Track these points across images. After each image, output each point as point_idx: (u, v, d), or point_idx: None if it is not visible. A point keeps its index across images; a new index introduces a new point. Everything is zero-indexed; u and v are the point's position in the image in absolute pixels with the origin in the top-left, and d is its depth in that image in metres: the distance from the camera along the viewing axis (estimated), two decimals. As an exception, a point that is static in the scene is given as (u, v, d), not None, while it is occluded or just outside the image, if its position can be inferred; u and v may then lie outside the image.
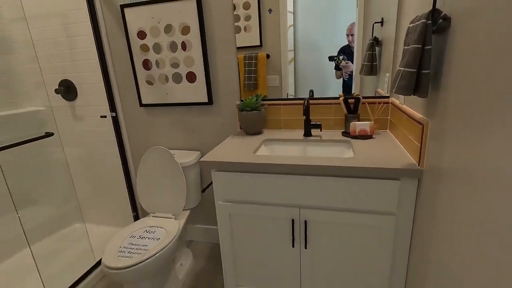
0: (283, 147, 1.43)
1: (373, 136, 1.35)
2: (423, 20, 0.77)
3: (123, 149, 1.89)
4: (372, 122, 1.33)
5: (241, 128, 1.63)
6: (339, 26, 1.41)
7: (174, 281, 1.58)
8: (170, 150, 1.62)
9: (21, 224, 1.78)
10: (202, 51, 1.57)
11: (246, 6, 1.47)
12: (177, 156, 1.68)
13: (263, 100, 1.57)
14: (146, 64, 1.68)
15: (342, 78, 1.48)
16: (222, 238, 1.29)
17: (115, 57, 1.74)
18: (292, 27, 1.47)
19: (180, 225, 1.56)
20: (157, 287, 1.45)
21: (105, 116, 1.83)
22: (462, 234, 0.64)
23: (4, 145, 1.42)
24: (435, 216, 0.81)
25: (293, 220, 1.14)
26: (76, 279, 1.58)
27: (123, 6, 1.60)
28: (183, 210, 1.68)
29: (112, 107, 1.80)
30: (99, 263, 1.73)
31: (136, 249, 1.37)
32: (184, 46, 1.59)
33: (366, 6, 1.36)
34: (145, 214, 2.06)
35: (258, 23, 1.48)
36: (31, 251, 1.72)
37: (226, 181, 1.19)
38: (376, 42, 1.40)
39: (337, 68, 1.47)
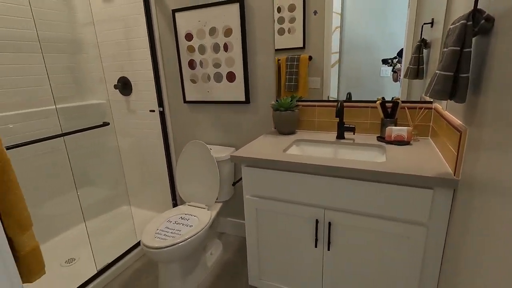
0: (314, 148, 1.43)
1: (411, 142, 1.29)
2: (462, 21, 0.73)
3: (167, 141, 2.05)
4: (411, 127, 1.27)
5: (275, 128, 1.68)
6: (392, 27, 1.37)
7: (203, 268, 1.69)
8: (207, 145, 1.73)
9: (79, 202, 2.05)
10: (242, 52, 1.64)
11: (291, 8, 1.51)
12: (214, 151, 1.78)
13: (298, 101, 1.59)
14: (191, 64, 1.81)
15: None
16: (248, 231, 1.34)
17: (165, 57, 1.90)
18: (338, 29, 1.47)
19: (212, 215, 1.65)
20: (187, 270, 1.56)
21: (153, 111, 2.02)
22: (495, 255, 0.60)
23: (71, 130, 1.66)
24: (468, 231, 0.76)
25: (317, 221, 1.15)
26: (120, 254, 1.77)
27: (174, 11, 1.75)
28: (216, 202, 1.77)
29: (160, 103, 1.98)
30: (139, 243, 1.91)
31: (171, 232, 1.49)
32: (226, 47, 1.68)
33: (418, 7, 1.30)
34: (183, 202, 2.21)
35: (302, 25, 1.51)
36: (86, 226, 1.97)
37: (255, 177, 1.24)
38: (424, 44, 1.33)
39: (394, 70, 1.43)
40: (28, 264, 0.72)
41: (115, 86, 2.07)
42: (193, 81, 1.84)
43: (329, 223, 1.13)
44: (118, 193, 2.38)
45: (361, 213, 1.08)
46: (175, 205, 2.18)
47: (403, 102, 1.37)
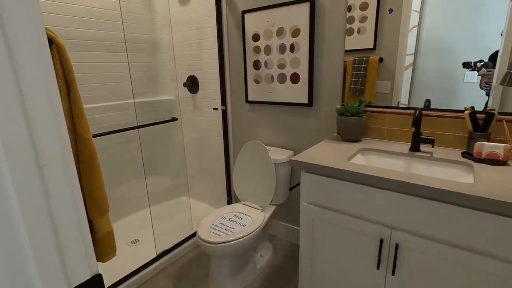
0: (383, 158, 1.30)
1: (508, 162, 1.07)
2: None
3: (227, 139, 2.11)
4: (509, 145, 1.06)
5: (338, 133, 1.58)
6: (483, 27, 1.17)
7: (252, 268, 1.68)
8: (266, 146, 1.72)
9: (146, 188, 2.24)
10: (309, 53, 1.59)
11: (363, 7, 1.40)
12: (271, 152, 1.76)
13: (367, 106, 1.47)
14: (256, 64, 1.82)
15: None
16: (303, 240, 1.29)
17: (231, 57, 1.95)
18: (415, 28, 1.32)
19: (265, 217, 1.64)
20: (237, 268, 1.58)
21: (216, 109, 2.09)
22: None
23: (145, 123, 1.82)
24: None
25: (381, 240, 1.04)
26: (177, 242, 1.88)
27: (244, 12, 1.78)
28: (270, 204, 1.76)
29: (223, 101, 2.04)
30: (194, 234, 2.00)
31: (225, 229, 1.52)
32: (292, 48, 1.64)
33: (524, 0, 1.08)
34: (237, 200, 2.25)
35: (374, 24, 1.39)
36: (150, 211, 2.15)
37: (314, 184, 1.18)
38: (531, 45, 1.10)
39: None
40: (103, 246, 0.80)
41: (184, 84, 2.21)
42: (257, 81, 1.85)
43: (396, 245, 1.01)
44: (179, 184, 2.54)
45: (437, 239, 0.93)
46: (229, 202, 2.24)
47: (500, 114, 1.16)
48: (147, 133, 2.24)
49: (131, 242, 1.96)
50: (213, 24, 1.94)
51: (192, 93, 2.25)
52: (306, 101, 1.67)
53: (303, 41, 1.60)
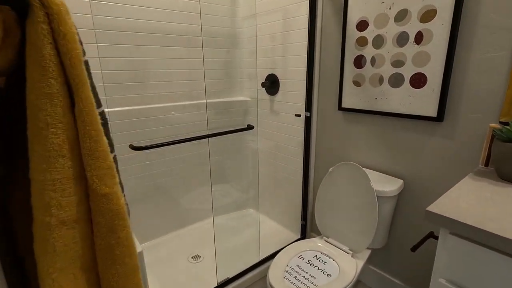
0: None
1: None
2: None
3: (308, 153, 1.73)
4: None
5: (486, 165, 1.05)
6: None
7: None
8: (364, 169, 1.28)
9: (211, 197, 2.03)
10: (448, 45, 1.09)
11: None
12: (373, 179, 1.32)
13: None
14: (359, 61, 1.39)
15: None
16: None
17: (324, 52, 1.56)
18: None
19: (358, 267, 1.21)
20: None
21: (299, 115, 1.73)
22: None
23: (217, 129, 1.57)
24: None
25: None
26: (241, 270, 1.59)
27: (348, -7, 1.37)
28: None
29: (308, 107, 1.66)
30: (262, 261, 1.69)
31: (304, 277, 1.16)
32: (419, 38, 1.16)
33: None
34: (314, 228, 1.86)
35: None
36: (214, 226, 1.93)
37: (465, 255, 0.72)
38: None
39: None
40: None
41: (263, 84, 1.91)
42: (357, 83, 1.42)
43: None
44: (248, 196, 2.28)
45: None
46: (303, 227, 1.86)
47: None
48: (216, 138, 2.02)
49: (192, 258, 1.77)
50: (304, 11, 1.57)
51: (271, 94, 1.93)
52: (433, 113, 1.17)
53: (439, 28, 1.10)
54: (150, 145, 1.43)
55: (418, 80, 1.19)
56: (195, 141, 1.93)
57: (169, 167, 1.86)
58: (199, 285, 1.52)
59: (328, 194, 1.40)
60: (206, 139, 1.97)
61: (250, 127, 1.60)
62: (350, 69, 1.43)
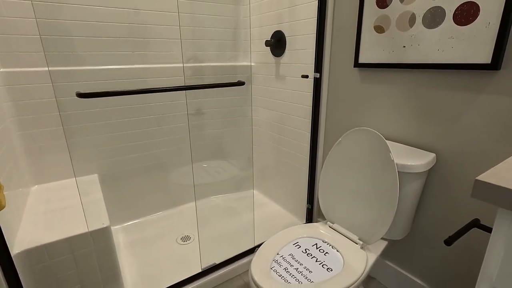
0: None
1: None
2: None
3: (317, 123, 1.45)
4: None
5: None
6: None
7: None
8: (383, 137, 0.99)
9: (192, 173, 1.81)
10: (517, -47, 0.74)
11: None
12: (396, 152, 1.02)
13: None
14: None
15: None
16: None
17: (340, -6, 1.24)
18: None
19: (369, 262, 0.94)
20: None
21: (306, 76, 1.44)
22: None
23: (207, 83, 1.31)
24: None
25: None
26: (234, 255, 1.37)
27: None
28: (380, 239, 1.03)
29: (318, 66, 1.36)
30: (257, 248, 1.46)
31: (296, 270, 0.91)
32: (471, -49, 0.83)
33: None
34: (321, 213, 1.59)
35: None
36: (195, 200, 1.71)
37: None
38: None
39: None
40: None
41: (267, 43, 1.61)
42: (379, 28, 1.10)
43: None
44: (248, 174, 2.04)
45: None
46: (309, 212, 1.60)
47: None
48: (215, 107, 1.78)
49: (181, 238, 1.57)
50: None
51: (276, 55, 1.64)
52: (486, 59, 0.84)
53: None
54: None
55: (466, 13, 0.86)
56: (196, 111, 1.70)
57: (164, 137, 1.65)
58: (182, 268, 1.32)
59: (336, 169, 1.12)
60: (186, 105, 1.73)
61: (240, 83, 1.32)
62: (371, 11, 1.11)
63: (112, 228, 1.64)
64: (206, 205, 1.91)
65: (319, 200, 1.18)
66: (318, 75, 1.37)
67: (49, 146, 1.36)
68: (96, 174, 1.52)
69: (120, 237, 1.59)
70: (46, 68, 1.26)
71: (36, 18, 1.20)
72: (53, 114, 1.34)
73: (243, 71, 1.83)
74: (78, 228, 1.03)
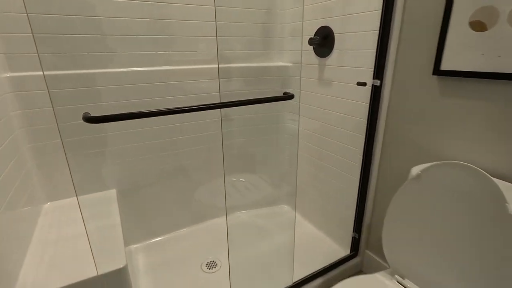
0: None
1: None
2: None
3: (372, 139, 1.19)
4: None
5: None
6: None
7: None
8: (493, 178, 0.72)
9: (225, 190, 1.61)
10: None
11: None
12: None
13: None
14: (488, -16, 0.78)
15: None
16: None
17: (416, -21, 0.97)
18: None
19: None
20: None
21: (364, 84, 1.17)
22: None
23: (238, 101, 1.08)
24: None
25: None
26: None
27: None
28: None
29: (379, 72, 1.10)
30: (296, 286, 1.24)
31: None
32: None
33: None
34: (371, 244, 1.34)
35: None
36: (227, 226, 1.52)
37: None
38: None
39: None
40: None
41: (311, 41, 1.36)
42: (479, 25, 0.82)
43: None
44: (283, 189, 1.82)
45: None
46: (355, 241, 1.35)
47: None
48: (244, 114, 1.56)
49: (206, 265, 1.39)
50: None
51: (321, 56, 1.39)
52: None
53: None
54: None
55: None
56: (224, 118, 1.49)
57: (187, 148, 1.46)
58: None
59: (411, 212, 0.86)
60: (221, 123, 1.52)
61: (289, 96, 1.07)
62: (466, 0, 0.83)
63: (132, 247, 1.48)
64: (232, 222, 1.71)
65: (384, 246, 0.93)
66: (378, 82, 1.11)
67: (63, 159, 1.21)
68: (114, 190, 1.35)
69: (140, 257, 1.43)
70: (57, 72, 1.09)
71: (34, 14, 1.02)
72: (67, 124, 1.18)
73: (280, 73, 1.59)
74: (90, 266, 0.86)
